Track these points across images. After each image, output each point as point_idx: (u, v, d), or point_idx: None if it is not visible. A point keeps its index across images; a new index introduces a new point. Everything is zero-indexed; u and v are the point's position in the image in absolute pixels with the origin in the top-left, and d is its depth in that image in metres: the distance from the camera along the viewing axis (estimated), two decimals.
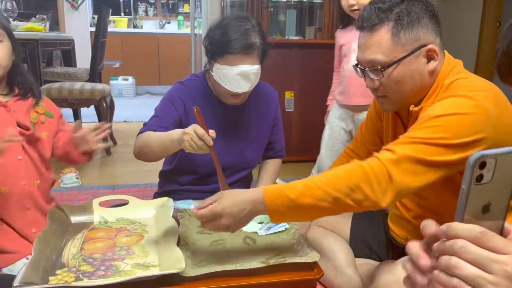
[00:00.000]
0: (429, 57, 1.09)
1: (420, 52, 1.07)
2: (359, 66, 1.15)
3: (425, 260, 0.46)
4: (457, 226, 0.44)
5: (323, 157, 2.18)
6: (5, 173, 1.22)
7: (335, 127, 2.13)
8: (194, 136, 1.14)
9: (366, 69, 1.11)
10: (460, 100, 1.00)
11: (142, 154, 1.39)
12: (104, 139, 3.07)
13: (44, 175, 1.33)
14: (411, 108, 1.13)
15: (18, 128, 1.25)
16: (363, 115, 2.01)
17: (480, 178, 0.44)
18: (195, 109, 1.16)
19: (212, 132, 1.16)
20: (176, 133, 1.22)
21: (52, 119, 1.38)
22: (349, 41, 2.04)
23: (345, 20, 2.09)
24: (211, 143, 1.15)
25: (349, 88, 2.03)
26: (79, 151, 1.32)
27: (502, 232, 0.47)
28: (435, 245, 0.46)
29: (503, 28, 0.63)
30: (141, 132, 1.41)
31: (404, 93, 1.11)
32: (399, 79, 1.08)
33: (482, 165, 0.44)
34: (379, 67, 1.08)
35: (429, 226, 0.47)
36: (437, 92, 1.10)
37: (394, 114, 1.24)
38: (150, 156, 1.38)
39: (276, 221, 1.00)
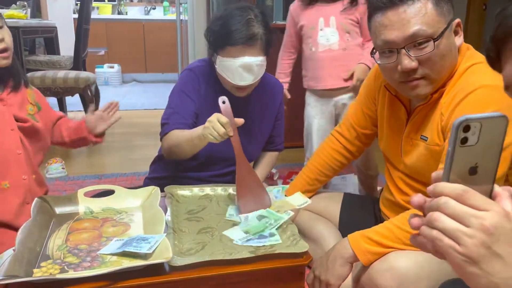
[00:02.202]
0: (455, 32, 1.06)
1: (451, 25, 1.04)
2: (388, 48, 1.06)
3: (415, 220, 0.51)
4: (442, 185, 0.47)
5: None
6: (6, 167, 1.21)
7: (315, 125, 2.02)
8: (216, 124, 1.15)
9: (404, 48, 1.02)
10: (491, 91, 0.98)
11: (173, 153, 1.41)
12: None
13: (38, 168, 1.33)
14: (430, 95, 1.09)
15: (16, 122, 1.24)
16: (343, 98, 1.98)
17: (465, 140, 0.46)
18: (220, 99, 1.20)
19: (239, 120, 1.19)
20: (200, 127, 1.23)
21: (41, 111, 1.36)
22: (312, 20, 1.91)
23: None
24: (231, 133, 1.16)
25: (322, 71, 1.93)
26: (94, 133, 1.45)
27: (491, 196, 0.49)
28: (426, 204, 0.49)
29: (495, 13, 0.64)
30: (165, 132, 1.42)
31: (444, 69, 1.05)
32: (444, 53, 1.03)
33: (467, 128, 0.46)
34: (432, 39, 1.00)
35: (416, 196, 0.51)
36: (454, 76, 1.07)
37: (393, 97, 1.21)
38: (181, 154, 1.39)
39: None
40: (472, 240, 0.44)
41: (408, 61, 1.03)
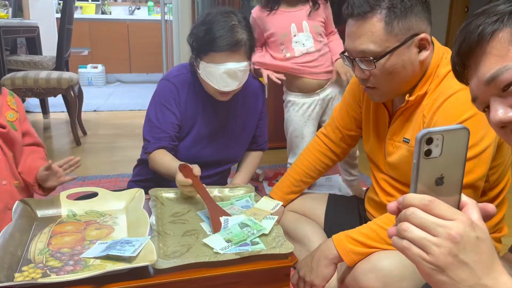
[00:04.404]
0: (421, 47, 1.06)
1: (412, 41, 1.04)
2: (346, 55, 1.11)
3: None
4: (410, 196, 0.49)
5: None
6: None
7: (306, 133, 2.03)
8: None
9: (356, 59, 1.07)
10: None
11: (157, 172, 1.45)
12: (74, 131, 2.96)
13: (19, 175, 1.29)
14: (406, 98, 1.11)
15: None
16: (327, 93, 2.00)
17: (428, 152, 0.48)
18: (180, 166, 1.22)
19: (196, 170, 1.19)
20: (175, 168, 1.25)
21: (20, 120, 1.34)
22: (283, 27, 1.88)
23: (272, 1, 1.89)
24: (189, 182, 1.18)
25: (303, 74, 1.94)
26: (43, 185, 1.32)
27: (459, 206, 0.51)
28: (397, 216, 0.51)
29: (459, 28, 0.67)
30: (148, 151, 1.43)
31: (395, 84, 1.09)
32: (391, 70, 1.05)
33: (429, 140, 0.48)
34: (371, 58, 1.04)
35: (390, 204, 0.52)
36: (431, 80, 1.09)
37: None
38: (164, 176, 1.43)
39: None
40: (439, 249, 0.46)
41: (359, 72, 1.09)
